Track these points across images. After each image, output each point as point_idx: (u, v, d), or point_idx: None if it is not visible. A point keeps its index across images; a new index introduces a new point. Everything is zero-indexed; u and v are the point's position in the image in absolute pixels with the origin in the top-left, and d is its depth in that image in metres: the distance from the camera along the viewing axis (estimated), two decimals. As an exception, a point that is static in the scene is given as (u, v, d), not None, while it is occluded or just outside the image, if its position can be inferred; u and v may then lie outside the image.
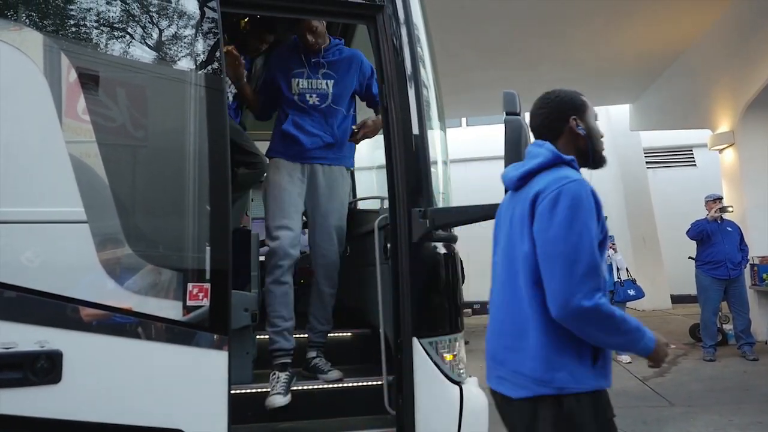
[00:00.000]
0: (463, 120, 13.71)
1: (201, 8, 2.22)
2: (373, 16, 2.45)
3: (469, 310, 12.57)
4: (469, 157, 12.49)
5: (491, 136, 10.06)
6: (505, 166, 2.17)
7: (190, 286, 1.99)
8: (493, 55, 8.48)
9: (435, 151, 2.60)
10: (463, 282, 10.32)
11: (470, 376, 2.52)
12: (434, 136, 2.64)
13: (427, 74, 2.62)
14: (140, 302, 1.97)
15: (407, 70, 2.45)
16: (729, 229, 6.67)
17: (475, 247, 11.17)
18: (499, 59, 8.62)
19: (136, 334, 1.95)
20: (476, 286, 12.22)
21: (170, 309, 1.99)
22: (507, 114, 2.21)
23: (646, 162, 12.42)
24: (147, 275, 2.02)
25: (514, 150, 2.17)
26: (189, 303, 1.99)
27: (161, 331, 1.97)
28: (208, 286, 2.01)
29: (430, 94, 2.64)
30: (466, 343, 6.43)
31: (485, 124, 12.89)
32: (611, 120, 12.48)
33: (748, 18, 7.05)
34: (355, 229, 3.18)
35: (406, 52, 2.45)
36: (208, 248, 2.07)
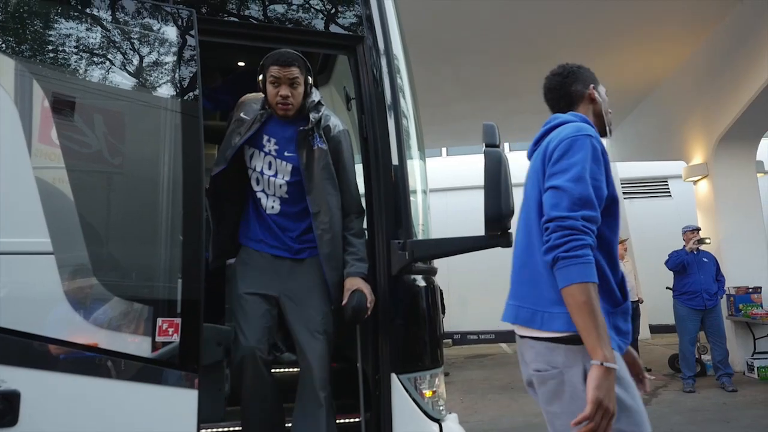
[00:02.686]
0: (444, 150, 13.83)
1: (179, 36, 2.19)
2: (353, 47, 2.44)
3: (449, 341, 12.49)
4: (449, 186, 12.57)
5: (471, 166, 10.15)
6: (486, 199, 2.16)
7: (159, 320, 1.91)
8: (471, 88, 8.61)
9: (415, 181, 2.58)
10: (443, 313, 10.31)
11: (450, 413, 2.45)
12: (414, 166, 2.62)
13: (407, 105, 2.61)
14: (107, 338, 1.88)
15: (387, 101, 2.43)
16: (705, 260, 6.74)
17: (454, 278, 11.21)
18: (478, 91, 8.76)
19: (101, 373, 1.85)
20: (456, 316, 12.23)
21: (138, 345, 1.90)
22: (486, 146, 2.20)
23: (623, 192, 12.62)
24: (115, 309, 1.93)
25: (494, 181, 2.16)
26: (158, 338, 1.90)
27: (128, 368, 1.87)
28: (178, 320, 1.93)
29: (410, 124, 2.63)
30: (446, 375, 6.37)
31: (465, 153, 13.02)
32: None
33: (719, 56, 7.28)
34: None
35: (386, 82, 2.44)
36: (179, 280, 2.00)
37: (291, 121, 2.40)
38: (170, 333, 1.91)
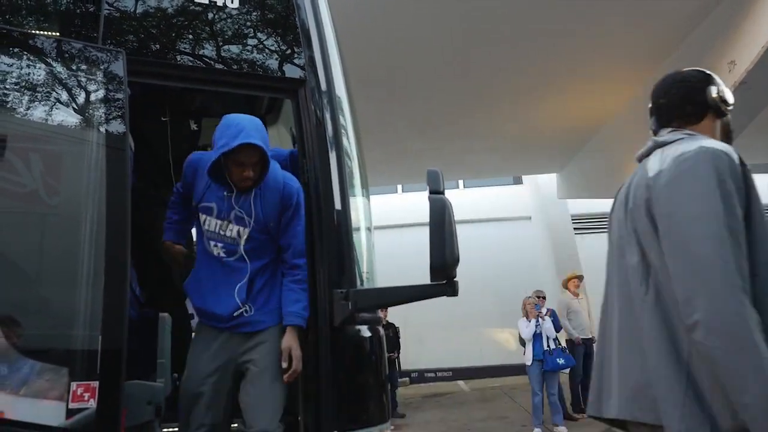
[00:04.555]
0: (399, 186, 13.88)
1: (107, 76, 2.08)
2: (295, 90, 2.38)
3: (406, 380, 12.29)
4: (406, 222, 12.58)
5: (426, 202, 10.16)
6: (431, 248, 2.09)
7: (74, 385, 1.74)
8: (424, 126, 8.72)
9: (359, 225, 2.51)
10: (398, 351, 10.05)
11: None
12: (358, 209, 2.55)
13: (350, 147, 2.55)
14: (14, 406, 1.70)
15: (329, 145, 2.36)
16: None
17: (411, 314, 11.11)
18: (430, 130, 8.87)
19: (5, 445, 1.66)
20: (413, 353, 12.08)
21: (50, 413, 1.72)
22: (431, 192, 2.16)
23: (574, 228, 12.89)
24: (24, 371, 1.75)
25: (439, 229, 2.11)
26: (72, 405, 1.73)
27: (37, 440, 1.69)
28: (96, 384, 1.76)
29: (354, 167, 2.56)
30: (402, 416, 6.12)
31: (421, 190, 13.09)
32: (540, 188, 12.99)
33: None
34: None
35: (328, 127, 2.37)
36: (99, 338, 1.83)
37: None
38: (86, 398, 1.74)
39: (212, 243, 2.36)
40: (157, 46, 2.30)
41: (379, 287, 2.41)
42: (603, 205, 12.98)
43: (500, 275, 12.63)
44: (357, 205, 2.50)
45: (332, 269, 2.22)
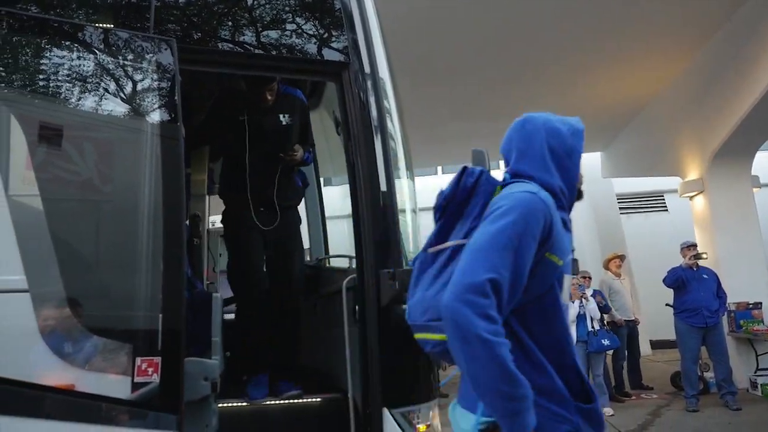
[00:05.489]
0: (439, 168, 13.82)
1: (159, 65, 2.15)
2: (338, 73, 2.40)
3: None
4: (445, 205, 12.54)
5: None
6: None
7: (138, 360, 1.84)
8: (463, 108, 8.62)
9: (404, 206, 2.53)
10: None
11: (445, 446, 2.37)
12: (403, 191, 2.57)
13: (394, 128, 2.56)
14: (84, 380, 1.81)
15: (374, 127, 2.39)
16: (705, 276, 6.67)
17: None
18: (469, 112, 8.76)
19: (78, 417, 1.77)
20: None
21: (116, 386, 1.82)
22: (476, 172, 2.15)
23: (619, 208, 12.59)
24: (92, 348, 1.86)
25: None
26: (137, 379, 1.83)
27: (106, 412, 1.80)
28: (158, 360, 1.85)
29: (398, 148, 2.58)
30: (445, 396, 6.18)
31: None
32: (584, 167, 12.69)
33: (711, 71, 7.30)
34: (323, 288, 3.05)
35: (372, 108, 2.39)
36: (160, 317, 1.93)
37: None
38: (149, 373, 1.83)
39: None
40: (202, 33, 2.36)
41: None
42: (648, 183, 12.65)
43: (542, 256, 12.47)
44: (402, 186, 2.52)
45: (379, 250, 2.26)
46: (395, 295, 2.23)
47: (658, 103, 8.78)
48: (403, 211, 2.52)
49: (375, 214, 2.28)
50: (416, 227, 2.66)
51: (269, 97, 3.09)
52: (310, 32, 2.49)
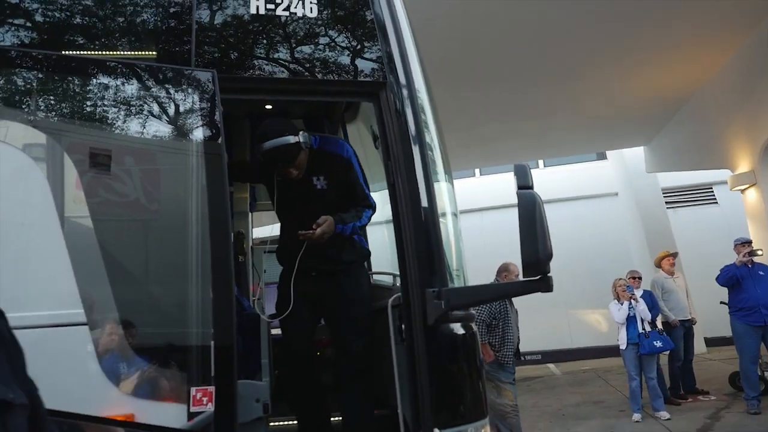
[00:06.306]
0: (477, 170, 13.71)
1: (201, 97, 2.19)
2: (377, 93, 2.40)
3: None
4: (483, 206, 12.44)
5: (504, 184, 10.01)
6: (522, 244, 2.07)
7: (193, 390, 1.87)
8: (501, 109, 8.53)
9: (447, 225, 2.51)
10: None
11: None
12: (445, 209, 2.55)
13: (433, 145, 2.54)
14: (141, 410, 1.86)
15: (414, 148, 2.37)
16: (761, 273, 6.38)
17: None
18: (508, 112, 8.66)
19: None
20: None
21: (173, 417, 1.87)
22: (519, 188, 2.13)
23: (666, 202, 12.22)
24: (148, 379, 1.91)
25: (530, 225, 2.08)
26: (192, 409, 1.86)
27: (164, 440, 1.84)
28: (212, 389, 1.89)
29: (438, 165, 2.55)
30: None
31: (498, 172, 12.87)
32: (626, 163, 12.39)
33: (756, 61, 6.99)
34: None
35: (411, 128, 2.38)
36: (212, 344, 1.96)
37: None
38: (204, 402, 1.87)
39: None
40: (242, 62, 2.40)
41: (472, 285, 2.40)
42: (694, 176, 12.23)
43: (588, 254, 12.21)
44: (443, 202, 2.50)
45: (423, 269, 2.25)
46: (441, 314, 2.21)
47: (705, 93, 8.47)
48: (446, 224, 2.50)
49: (418, 234, 2.26)
50: (459, 241, 2.64)
51: (294, 172, 2.74)
52: (345, 52, 2.50)
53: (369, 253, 3.19)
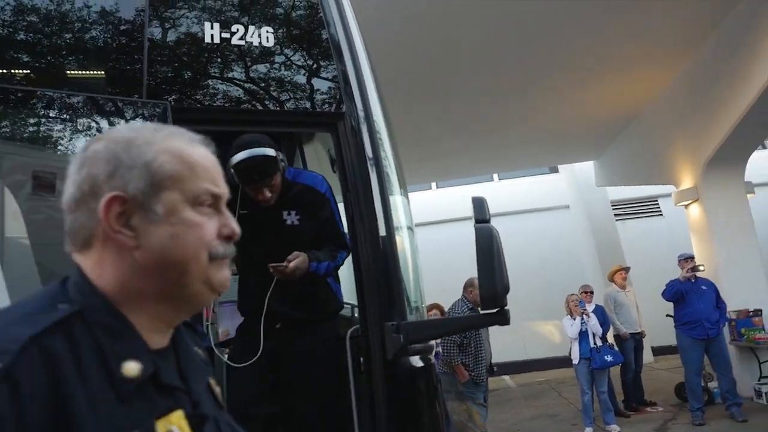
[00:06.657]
0: (433, 183, 13.83)
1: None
2: (334, 123, 2.38)
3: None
4: (439, 219, 12.55)
5: (461, 197, 10.12)
6: (480, 277, 2.08)
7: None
8: (457, 125, 8.63)
9: (405, 251, 2.50)
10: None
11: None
12: (403, 234, 2.54)
13: (390, 169, 2.53)
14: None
15: (371, 174, 2.36)
16: (704, 287, 6.67)
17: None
18: (464, 127, 8.78)
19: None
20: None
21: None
22: (477, 221, 2.14)
23: (615, 215, 12.63)
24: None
25: (487, 258, 2.09)
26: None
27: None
28: None
29: (395, 190, 2.54)
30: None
31: (454, 185, 13.03)
32: (576, 176, 12.75)
33: (701, 79, 7.34)
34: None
35: (369, 156, 2.37)
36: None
37: None
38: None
39: None
40: (196, 93, 2.34)
41: (431, 319, 2.40)
42: (641, 189, 12.67)
43: (541, 266, 12.46)
44: (402, 232, 2.49)
45: (382, 303, 2.23)
46: (400, 348, 2.20)
47: (651, 111, 8.84)
48: (404, 256, 2.49)
49: (377, 266, 2.25)
50: (417, 271, 2.63)
51: (268, 195, 2.53)
52: (302, 83, 2.47)
53: (342, 306, 2.89)
